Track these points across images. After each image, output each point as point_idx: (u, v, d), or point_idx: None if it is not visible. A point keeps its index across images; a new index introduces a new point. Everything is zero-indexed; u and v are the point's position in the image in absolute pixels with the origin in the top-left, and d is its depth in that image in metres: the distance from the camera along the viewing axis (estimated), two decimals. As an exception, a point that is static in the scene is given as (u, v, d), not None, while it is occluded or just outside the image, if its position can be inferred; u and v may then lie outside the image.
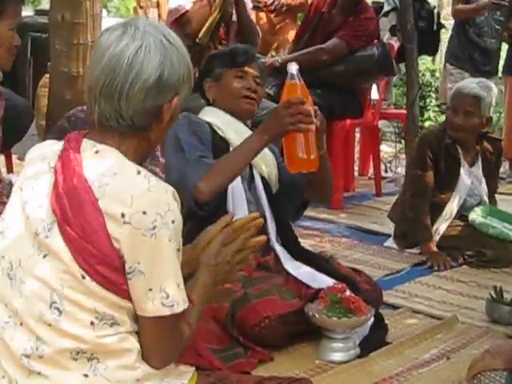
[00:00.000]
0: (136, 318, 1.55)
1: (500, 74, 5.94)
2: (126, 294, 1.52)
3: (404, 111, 5.46)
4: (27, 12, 7.24)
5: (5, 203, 1.77)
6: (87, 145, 1.58)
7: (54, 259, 1.51)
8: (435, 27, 5.58)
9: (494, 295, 2.98)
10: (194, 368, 1.69)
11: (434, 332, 2.82)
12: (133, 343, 1.55)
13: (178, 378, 1.63)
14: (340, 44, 4.62)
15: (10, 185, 2.73)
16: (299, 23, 5.45)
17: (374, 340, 2.63)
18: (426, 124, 7.64)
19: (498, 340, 2.72)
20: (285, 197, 2.80)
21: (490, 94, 3.74)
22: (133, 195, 1.49)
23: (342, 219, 4.47)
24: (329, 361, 2.52)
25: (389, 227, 4.08)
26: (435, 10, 5.76)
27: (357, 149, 5.85)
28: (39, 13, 6.61)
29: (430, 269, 3.61)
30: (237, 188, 2.66)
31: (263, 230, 2.72)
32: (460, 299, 3.22)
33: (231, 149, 2.76)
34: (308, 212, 3.19)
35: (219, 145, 2.76)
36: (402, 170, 5.68)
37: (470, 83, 3.84)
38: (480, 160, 3.90)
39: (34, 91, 5.45)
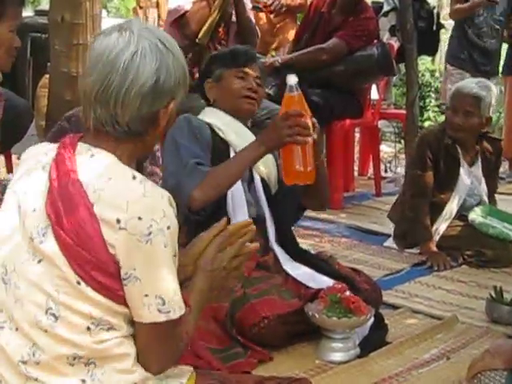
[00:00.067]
0: (132, 322, 1.54)
1: (500, 74, 5.94)
2: (121, 300, 1.51)
3: (404, 111, 5.46)
4: (27, 12, 7.24)
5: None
6: (82, 149, 1.56)
7: (49, 265, 1.50)
8: (435, 27, 5.59)
9: (494, 295, 2.98)
10: (191, 368, 1.68)
11: (434, 332, 2.82)
12: (129, 347, 1.54)
13: (177, 378, 1.62)
14: (340, 44, 4.62)
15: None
16: (299, 23, 5.45)
17: (374, 340, 2.64)
18: (426, 124, 7.65)
19: (497, 340, 2.72)
20: (284, 198, 2.80)
21: (490, 94, 3.74)
22: (128, 200, 1.47)
23: (342, 219, 4.47)
24: (328, 361, 2.52)
25: (388, 227, 4.08)
26: (435, 10, 5.77)
27: (356, 149, 5.85)
28: (39, 13, 6.61)
29: (430, 269, 3.61)
30: (236, 189, 2.67)
31: (262, 230, 2.75)
32: (460, 299, 3.23)
33: (231, 150, 2.76)
34: (308, 212, 3.19)
35: (219, 146, 2.76)
36: (401, 170, 5.68)
37: (470, 83, 3.84)
38: (480, 160, 3.90)
39: (34, 91, 5.46)
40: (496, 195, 4.12)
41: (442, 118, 5.19)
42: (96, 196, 1.48)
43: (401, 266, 3.64)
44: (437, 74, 8.69)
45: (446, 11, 9.39)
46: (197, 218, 2.50)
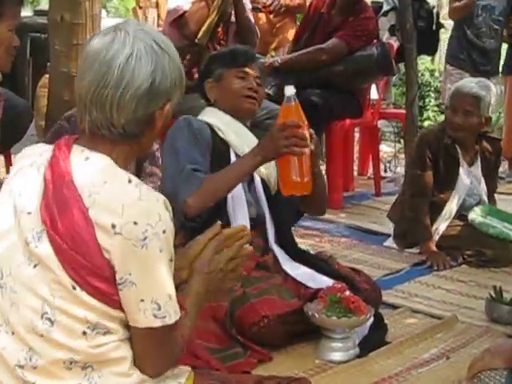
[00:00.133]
0: (129, 326, 1.54)
1: (500, 74, 5.94)
2: (117, 305, 1.50)
3: (403, 111, 5.46)
4: (26, 12, 7.25)
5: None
6: (77, 151, 1.55)
7: (45, 269, 1.49)
8: (434, 27, 5.59)
9: (494, 295, 2.98)
10: (189, 368, 1.68)
11: (434, 331, 2.82)
12: (126, 351, 1.54)
13: (175, 378, 1.62)
14: (339, 44, 4.62)
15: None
16: (298, 23, 5.45)
17: (374, 340, 2.64)
18: (426, 124, 7.64)
19: (497, 339, 2.72)
20: (283, 199, 2.80)
21: (489, 94, 3.74)
22: (124, 205, 1.46)
23: (342, 219, 4.47)
24: (328, 360, 2.52)
25: (388, 227, 4.08)
26: (434, 10, 5.76)
27: (356, 148, 5.85)
28: (38, 13, 6.61)
29: (430, 268, 3.61)
30: (237, 189, 2.66)
31: (262, 231, 2.75)
32: (460, 299, 3.23)
33: (231, 150, 2.76)
34: (308, 212, 3.20)
35: (219, 146, 2.76)
36: (401, 170, 5.68)
37: (469, 83, 3.84)
38: (479, 160, 3.91)
39: (34, 91, 5.46)
40: (496, 195, 4.12)
41: (442, 118, 5.18)
42: (91, 200, 1.47)
43: (400, 266, 3.64)
44: (436, 74, 8.69)
45: (445, 11, 9.38)
46: (192, 224, 2.50)
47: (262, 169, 2.79)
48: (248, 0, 4.52)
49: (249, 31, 4.37)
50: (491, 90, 3.77)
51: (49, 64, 4.12)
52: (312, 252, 3.09)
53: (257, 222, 2.72)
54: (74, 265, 1.47)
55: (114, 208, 1.46)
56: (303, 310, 2.53)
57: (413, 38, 5.07)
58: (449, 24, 6.43)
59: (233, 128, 2.80)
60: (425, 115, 8.07)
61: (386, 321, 2.77)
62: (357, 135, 5.89)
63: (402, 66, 5.40)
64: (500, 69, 5.92)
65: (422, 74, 8.29)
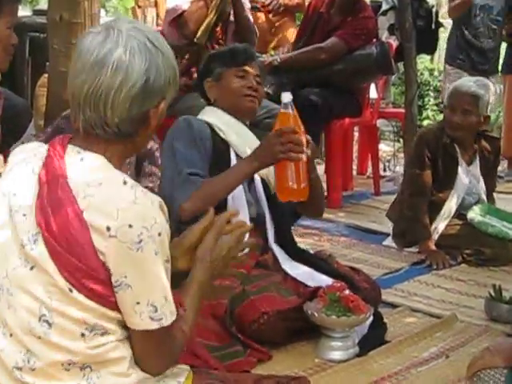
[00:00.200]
0: (126, 326, 1.53)
1: (499, 73, 5.94)
2: (114, 306, 1.50)
3: (402, 110, 5.46)
4: (25, 12, 7.24)
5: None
6: (72, 152, 1.54)
7: (41, 272, 1.48)
8: (433, 26, 5.58)
9: (493, 293, 2.98)
10: (188, 367, 1.68)
11: (433, 330, 2.83)
12: (125, 350, 1.54)
13: (174, 377, 1.62)
14: (339, 43, 4.62)
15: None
16: (298, 23, 5.45)
17: (373, 339, 2.64)
18: (425, 123, 7.64)
19: (497, 338, 2.73)
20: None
21: (488, 93, 3.74)
22: (119, 208, 1.45)
23: (341, 218, 4.47)
24: (328, 359, 2.52)
25: (387, 226, 4.08)
26: (433, 9, 5.76)
27: (355, 148, 5.85)
28: (37, 13, 6.59)
29: (429, 267, 3.62)
30: (237, 190, 2.66)
31: (262, 230, 2.75)
32: (459, 298, 3.23)
33: (231, 150, 2.76)
34: (307, 211, 3.20)
35: (219, 146, 2.76)
36: (400, 169, 5.68)
37: (468, 82, 3.84)
38: (478, 159, 3.91)
39: (33, 91, 5.44)
40: (494, 194, 4.12)
41: (441, 117, 5.19)
42: (86, 202, 1.46)
43: (400, 265, 3.64)
44: (435, 73, 8.68)
45: (444, 10, 9.38)
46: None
47: (263, 169, 2.79)
48: (247, -1, 4.53)
49: (248, 30, 4.37)
50: (490, 89, 3.77)
51: (48, 63, 4.11)
52: (311, 251, 3.09)
53: (257, 222, 2.72)
54: (70, 267, 1.46)
55: (110, 211, 1.45)
56: (303, 307, 2.53)
57: (412, 37, 5.07)
58: (448, 23, 6.43)
59: (233, 128, 2.80)
60: (424, 114, 8.07)
61: (385, 320, 2.77)
62: (356, 134, 5.89)
63: (401, 65, 5.40)
64: (499, 68, 5.92)
65: (421, 73, 8.29)
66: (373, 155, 5.38)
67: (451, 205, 3.81)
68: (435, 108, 8.20)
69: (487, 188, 3.98)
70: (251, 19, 4.48)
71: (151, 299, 1.49)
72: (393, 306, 3.08)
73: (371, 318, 2.62)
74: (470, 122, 3.75)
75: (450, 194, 3.81)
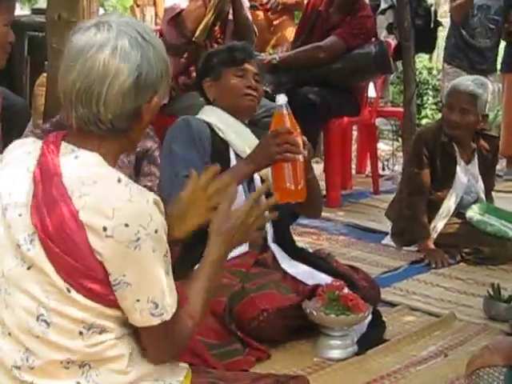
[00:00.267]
0: (125, 323, 1.53)
1: (498, 72, 5.94)
2: (113, 304, 1.49)
3: (401, 109, 5.47)
4: (24, 11, 7.24)
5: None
6: (66, 149, 1.52)
7: (38, 272, 1.48)
8: (432, 25, 5.59)
9: (492, 292, 2.99)
10: (187, 365, 1.68)
11: (432, 329, 2.83)
12: (123, 348, 1.53)
13: (173, 376, 1.62)
14: (337, 42, 4.62)
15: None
16: (297, 21, 5.45)
17: (372, 337, 2.64)
18: (423, 122, 7.64)
19: (496, 337, 2.73)
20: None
21: (486, 92, 3.74)
22: (114, 207, 1.44)
23: (340, 217, 4.47)
24: (326, 358, 2.52)
25: (386, 225, 4.08)
26: (432, 8, 5.77)
27: (354, 147, 5.85)
28: (36, 12, 6.59)
29: (428, 266, 3.62)
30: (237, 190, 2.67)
31: (261, 229, 2.75)
32: (458, 296, 3.23)
33: (231, 149, 2.76)
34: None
35: (219, 146, 2.76)
36: (399, 168, 5.68)
37: (466, 80, 3.84)
38: (476, 157, 3.91)
39: (31, 90, 5.44)
40: (493, 193, 4.12)
41: (440, 116, 5.19)
42: (81, 202, 1.45)
43: (399, 264, 3.64)
44: (434, 72, 8.68)
45: (443, 9, 9.40)
46: None
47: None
48: (246, -2, 4.53)
49: (247, 29, 4.37)
50: (488, 88, 3.77)
51: (46, 63, 4.11)
52: (310, 250, 3.09)
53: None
54: (67, 268, 1.46)
55: (105, 211, 1.44)
56: (302, 305, 2.53)
57: (411, 36, 5.08)
58: (446, 22, 6.43)
59: (232, 127, 2.80)
60: (423, 113, 8.07)
61: (384, 318, 2.77)
62: (355, 133, 5.89)
63: (399, 64, 5.41)
64: (497, 67, 5.92)
65: (420, 72, 8.29)
66: (372, 154, 5.38)
67: (450, 204, 3.82)
68: (434, 107, 8.20)
69: (486, 187, 3.98)
70: (250, 18, 4.48)
71: (151, 296, 1.49)
72: (392, 304, 3.08)
73: (370, 317, 2.62)
74: (468, 120, 3.75)
75: (448, 193, 3.82)
